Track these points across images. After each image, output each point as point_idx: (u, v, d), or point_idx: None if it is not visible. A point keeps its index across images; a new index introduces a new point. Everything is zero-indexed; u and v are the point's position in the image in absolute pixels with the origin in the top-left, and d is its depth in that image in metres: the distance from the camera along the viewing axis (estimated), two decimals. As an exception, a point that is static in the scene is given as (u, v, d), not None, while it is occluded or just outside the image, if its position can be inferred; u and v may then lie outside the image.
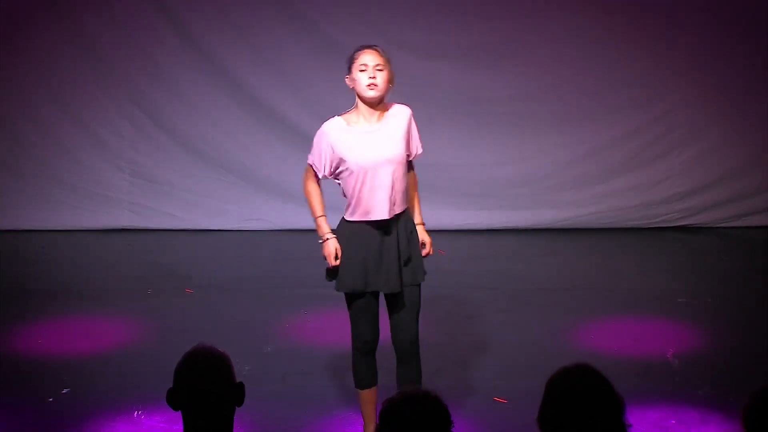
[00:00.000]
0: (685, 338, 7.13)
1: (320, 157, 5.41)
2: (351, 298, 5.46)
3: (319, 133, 5.43)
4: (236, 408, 3.48)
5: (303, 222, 9.53)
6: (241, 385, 3.48)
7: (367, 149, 5.34)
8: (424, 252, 5.54)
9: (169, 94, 9.95)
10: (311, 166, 5.46)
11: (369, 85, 5.34)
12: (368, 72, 5.34)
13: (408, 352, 5.51)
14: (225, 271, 8.79)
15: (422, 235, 5.56)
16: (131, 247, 9.58)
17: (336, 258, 5.40)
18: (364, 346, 5.52)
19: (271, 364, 6.69)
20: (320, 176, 5.46)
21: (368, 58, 5.37)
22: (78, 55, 9.87)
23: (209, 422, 3.40)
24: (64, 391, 6.33)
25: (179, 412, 3.44)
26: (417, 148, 5.51)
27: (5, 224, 9.89)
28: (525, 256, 9.17)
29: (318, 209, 5.48)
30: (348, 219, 5.43)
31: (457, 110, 9.82)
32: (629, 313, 7.69)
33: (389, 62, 5.43)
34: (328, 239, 5.43)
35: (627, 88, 9.82)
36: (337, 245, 5.41)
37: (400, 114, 5.47)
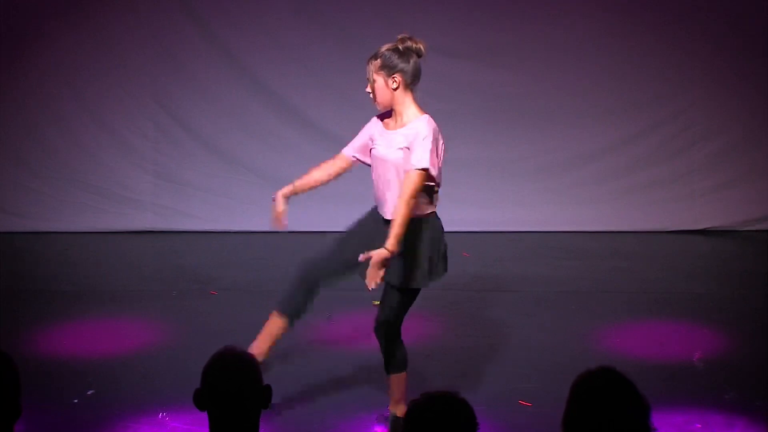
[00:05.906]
0: (711, 342, 7.09)
1: (356, 135, 5.66)
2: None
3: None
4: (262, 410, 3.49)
5: (328, 223, 9.53)
6: (268, 388, 3.49)
7: (380, 145, 5.49)
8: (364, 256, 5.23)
9: (193, 95, 9.97)
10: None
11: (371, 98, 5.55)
12: (368, 86, 5.52)
13: (376, 330, 5.61)
14: (249, 272, 8.80)
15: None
16: (155, 249, 9.60)
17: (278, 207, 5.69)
18: (305, 263, 5.76)
19: (296, 366, 6.69)
20: (346, 152, 5.69)
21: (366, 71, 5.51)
22: (102, 56, 9.90)
23: (235, 424, 3.41)
24: (89, 392, 6.35)
25: (205, 413, 3.45)
26: (418, 162, 5.28)
27: (30, 226, 9.92)
28: (547, 258, 9.15)
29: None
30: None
31: (476, 107, 9.83)
32: (654, 316, 7.66)
33: (381, 67, 5.41)
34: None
35: (647, 84, 9.83)
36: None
37: (414, 126, 5.39)
